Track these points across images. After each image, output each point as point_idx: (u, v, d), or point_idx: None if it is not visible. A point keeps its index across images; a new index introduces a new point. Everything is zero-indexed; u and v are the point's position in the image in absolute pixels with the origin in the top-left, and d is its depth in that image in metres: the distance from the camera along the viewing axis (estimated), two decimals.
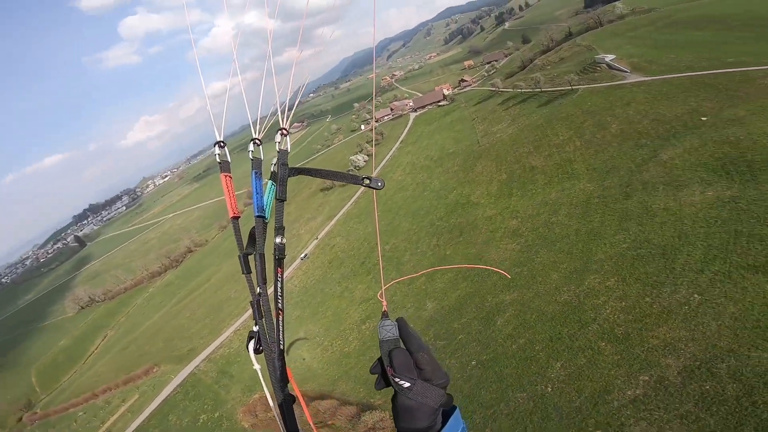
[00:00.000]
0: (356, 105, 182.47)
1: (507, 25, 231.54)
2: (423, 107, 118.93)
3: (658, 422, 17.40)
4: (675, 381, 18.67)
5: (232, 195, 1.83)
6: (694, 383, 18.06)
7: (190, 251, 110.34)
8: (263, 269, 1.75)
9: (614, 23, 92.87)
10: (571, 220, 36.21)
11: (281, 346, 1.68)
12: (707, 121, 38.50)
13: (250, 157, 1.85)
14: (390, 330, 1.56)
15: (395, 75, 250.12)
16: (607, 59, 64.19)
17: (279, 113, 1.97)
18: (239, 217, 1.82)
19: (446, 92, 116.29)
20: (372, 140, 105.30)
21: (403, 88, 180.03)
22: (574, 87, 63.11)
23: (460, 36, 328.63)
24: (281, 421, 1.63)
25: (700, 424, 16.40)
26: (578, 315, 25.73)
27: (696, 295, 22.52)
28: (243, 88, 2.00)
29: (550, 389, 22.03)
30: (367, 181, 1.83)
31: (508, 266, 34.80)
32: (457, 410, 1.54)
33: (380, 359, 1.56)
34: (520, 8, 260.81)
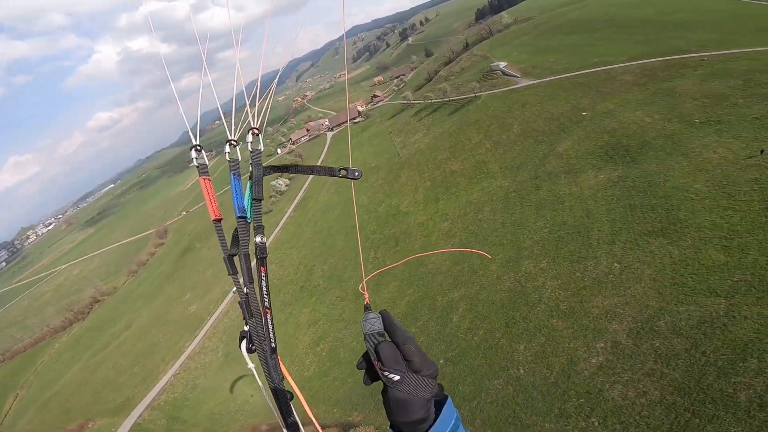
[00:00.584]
0: (270, 129, 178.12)
1: (410, 40, 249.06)
2: (339, 125, 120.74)
3: (630, 383, 19.23)
4: (627, 343, 20.99)
5: (212, 198, 1.88)
6: (645, 343, 20.45)
7: (97, 301, 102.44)
8: (249, 269, 1.79)
9: (502, 32, 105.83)
10: (496, 215, 39.31)
11: (273, 344, 1.73)
12: (587, 116, 45.36)
13: (227, 159, 1.90)
14: (374, 323, 1.59)
15: (307, 96, 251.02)
16: (501, 66, 72.37)
17: (250, 114, 1.98)
18: (221, 219, 1.87)
19: (361, 109, 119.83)
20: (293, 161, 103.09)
21: (317, 108, 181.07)
22: (477, 94, 69.75)
23: (368, 53, 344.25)
24: (281, 419, 1.69)
25: (668, 379, 18.40)
26: (524, 298, 27.98)
27: (616, 264, 26.01)
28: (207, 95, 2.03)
29: (522, 371, 23.36)
30: (344, 172, 1.94)
31: (448, 265, 36.56)
32: (449, 399, 1.58)
33: (366, 354, 1.58)
34: (421, 23, 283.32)
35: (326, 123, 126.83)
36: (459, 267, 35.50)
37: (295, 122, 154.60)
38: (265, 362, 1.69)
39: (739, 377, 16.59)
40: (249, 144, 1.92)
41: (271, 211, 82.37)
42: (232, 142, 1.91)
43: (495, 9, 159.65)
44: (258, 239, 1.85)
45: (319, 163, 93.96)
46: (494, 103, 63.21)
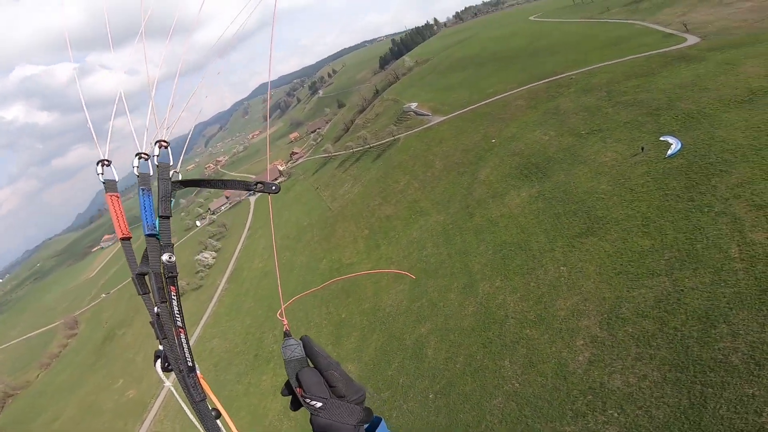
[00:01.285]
0: (183, 201, 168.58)
1: (321, 93, 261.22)
2: None
3: (626, 369, 20.39)
4: (603, 335, 22.52)
5: (120, 215, 1.82)
6: (619, 330, 22.13)
7: (10, 396, 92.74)
8: (159, 288, 1.76)
9: (407, 75, 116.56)
10: (440, 248, 40.99)
11: (188, 363, 1.69)
12: (496, 142, 50.92)
13: (135, 173, 1.84)
14: (295, 349, 1.60)
15: (220, 161, 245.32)
16: (412, 107, 78.96)
17: (156, 124, 1.92)
18: (130, 238, 1.80)
19: (281, 168, 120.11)
20: (214, 236, 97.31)
21: (233, 173, 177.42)
22: (396, 137, 74.55)
23: (279, 110, 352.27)
24: None
25: (658, 359, 19.77)
26: (491, 317, 29.19)
27: (562, 267, 28.55)
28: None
29: (517, 384, 23.76)
30: (260, 186, 1.91)
31: (406, 305, 37.05)
32: (383, 422, 1.60)
33: (289, 381, 1.60)
34: (329, 75, 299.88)
35: None
36: (417, 303, 36.23)
37: (211, 191, 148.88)
38: (182, 381, 1.66)
39: (720, 343, 18.62)
40: (155, 158, 1.86)
41: (200, 287, 76.69)
42: (143, 156, 1.84)
43: (396, 54, 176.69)
44: (165, 258, 1.78)
45: (246, 231, 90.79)
46: (413, 143, 68.00)
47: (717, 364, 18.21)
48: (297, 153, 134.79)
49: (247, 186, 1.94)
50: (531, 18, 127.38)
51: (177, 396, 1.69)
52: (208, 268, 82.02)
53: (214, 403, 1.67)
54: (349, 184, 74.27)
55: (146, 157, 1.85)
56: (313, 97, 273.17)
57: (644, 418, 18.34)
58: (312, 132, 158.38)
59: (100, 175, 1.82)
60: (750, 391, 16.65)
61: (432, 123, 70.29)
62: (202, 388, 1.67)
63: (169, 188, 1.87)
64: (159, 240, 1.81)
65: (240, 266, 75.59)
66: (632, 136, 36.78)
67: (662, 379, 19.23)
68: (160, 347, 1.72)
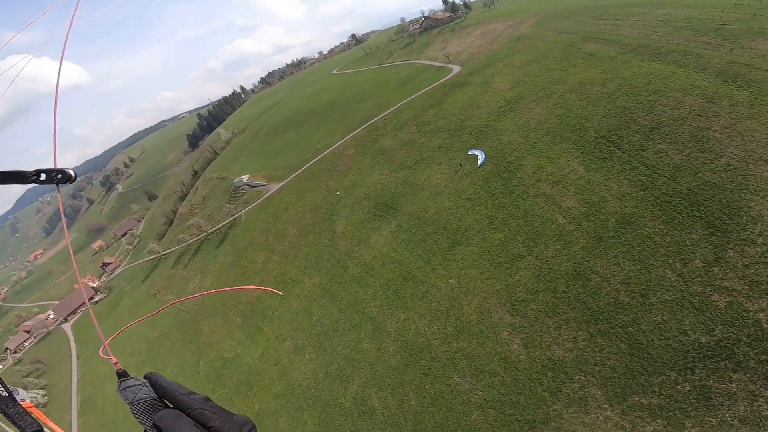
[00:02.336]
0: None
1: (120, 188, 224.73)
2: (74, 312, 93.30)
3: (557, 339, 22.62)
4: (517, 319, 25.44)
5: None
6: (527, 311, 25.09)
7: None
8: None
9: (227, 148, 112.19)
10: (328, 308, 39.63)
11: (4, 393, 1.53)
12: (341, 194, 53.76)
13: None
14: (140, 390, 1.29)
15: None
16: (244, 180, 75.97)
17: None
18: None
19: (94, 284, 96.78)
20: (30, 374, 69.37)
21: (24, 305, 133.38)
22: (235, 216, 69.92)
23: (66, 219, 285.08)
24: None
25: (573, 321, 22.57)
26: (415, 346, 29.83)
27: (451, 280, 31.15)
28: None
29: (481, 392, 22.67)
30: (43, 176, 1.55)
31: (322, 371, 34.46)
32: None
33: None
34: (125, 165, 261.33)
35: (51, 315, 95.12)
36: (333, 366, 34.12)
37: (2, 329, 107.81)
38: (2, 412, 1.50)
39: (603, 290, 23.07)
40: None
41: None
42: None
43: (207, 129, 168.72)
44: None
45: (75, 367, 67.80)
46: (258, 217, 65.20)
47: (615, 306, 22.20)
48: (110, 263, 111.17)
49: (23, 178, 1.60)
50: (334, 72, 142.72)
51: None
52: (43, 407, 59.37)
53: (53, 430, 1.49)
54: (197, 279, 65.20)
55: None
56: (110, 194, 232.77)
57: (606, 370, 20.76)
58: (123, 235, 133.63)
59: None
60: (658, 317, 20.57)
61: (271, 192, 69.25)
62: (33, 418, 1.49)
63: None
64: None
65: (89, 395, 57.57)
66: (448, 157, 44.64)
67: (589, 335, 22.48)
68: None
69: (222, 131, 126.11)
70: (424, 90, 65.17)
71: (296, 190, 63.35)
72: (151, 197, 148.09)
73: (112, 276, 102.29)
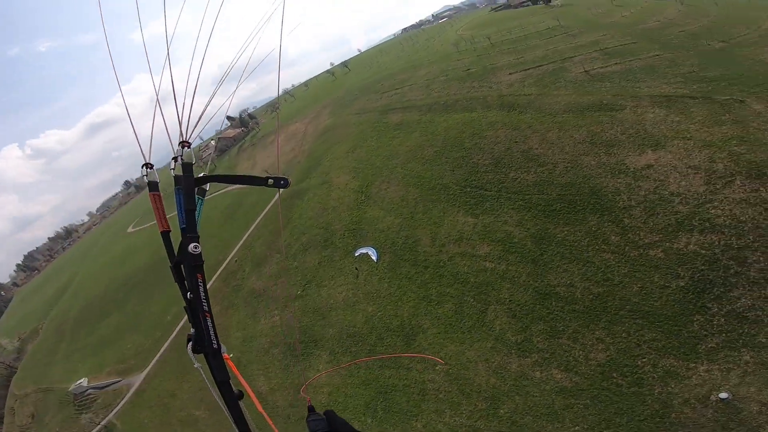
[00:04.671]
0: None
1: None
2: None
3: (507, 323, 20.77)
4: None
5: (161, 212, 2.16)
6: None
7: None
8: (188, 277, 2.06)
9: (24, 358, 79.54)
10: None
11: (214, 345, 1.94)
12: (236, 354, 44.69)
13: (172, 175, 2.13)
14: (319, 424, 1.71)
15: None
16: (84, 385, 54.70)
17: (180, 126, 2.18)
18: (169, 231, 2.11)
19: None
20: None
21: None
22: (105, 423, 49.03)
23: None
24: (230, 416, 1.87)
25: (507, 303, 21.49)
26: (387, 389, 23.79)
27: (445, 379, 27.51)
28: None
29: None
30: (271, 181, 2.31)
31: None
32: None
33: None
34: None
35: None
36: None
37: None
38: (207, 361, 1.91)
39: (618, 271, 23.71)
40: (180, 158, 2.09)
41: None
42: (180, 157, 2.10)
43: None
44: (191, 248, 2.02)
45: None
46: (140, 415, 47.50)
47: (597, 298, 23.79)
48: None
49: (259, 181, 2.32)
50: (129, 230, 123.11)
51: (204, 377, 1.93)
52: None
53: (240, 384, 1.91)
54: None
55: (187, 145, 2.13)
56: None
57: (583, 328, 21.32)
58: None
59: (145, 177, 2.14)
60: (635, 287, 22.89)
61: (138, 384, 52.14)
62: (227, 369, 1.88)
63: (192, 184, 2.13)
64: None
65: None
66: (336, 268, 42.17)
67: (593, 330, 23.09)
68: (192, 331, 2.01)
69: (4, 341, 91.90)
70: (263, 213, 62.77)
71: (173, 372, 49.44)
72: None
73: None
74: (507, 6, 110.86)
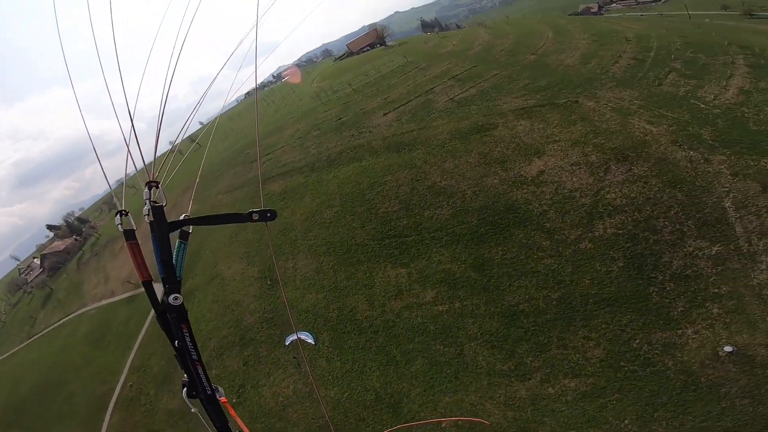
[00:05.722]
0: None
1: None
2: None
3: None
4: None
5: (140, 261, 2.07)
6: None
7: None
8: (174, 328, 2.03)
9: None
10: None
11: (208, 392, 1.92)
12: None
13: (147, 221, 2.04)
14: None
15: None
16: None
17: (144, 164, 2.10)
18: (151, 280, 2.01)
19: None
20: None
21: None
22: None
23: None
24: None
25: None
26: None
27: (331, 390, 24.02)
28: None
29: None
30: (256, 216, 2.25)
31: None
32: None
33: None
34: None
35: None
36: None
37: None
38: (205, 410, 1.87)
39: (565, 277, 22.98)
40: (147, 202, 1.99)
41: None
42: (152, 202, 2.04)
43: None
44: (171, 299, 1.99)
45: None
46: None
47: (548, 308, 23.69)
48: None
49: (241, 218, 2.22)
50: None
51: (204, 421, 1.86)
52: None
53: (240, 427, 1.90)
54: None
55: (155, 185, 2.04)
56: None
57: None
58: None
59: (119, 226, 2.08)
60: (586, 281, 23.35)
61: None
62: (225, 415, 1.85)
63: (166, 230, 2.04)
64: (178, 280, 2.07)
65: None
66: (270, 362, 36.10)
67: (502, 324, 22.66)
68: (185, 377, 2.02)
69: None
70: (143, 329, 50.65)
71: None
72: None
73: None
74: (350, 54, 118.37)
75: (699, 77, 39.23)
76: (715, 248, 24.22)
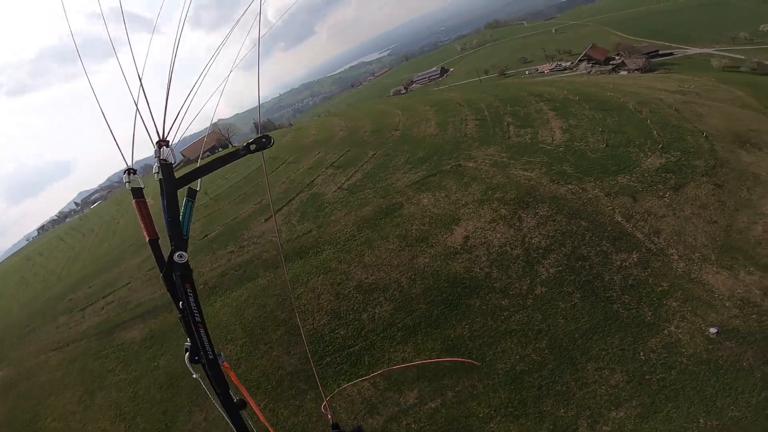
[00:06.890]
0: None
1: None
2: None
3: None
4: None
5: (147, 220, 2.04)
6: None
7: None
8: (178, 287, 2.02)
9: None
10: None
11: (210, 356, 1.95)
12: None
13: (156, 178, 2.00)
14: None
15: None
16: None
17: (154, 124, 2.01)
18: (157, 239, 2.04)
19: None
20: None
21: None
22: None
23: None
24: (233, 426, 1.87)
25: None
26: None
27: None
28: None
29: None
30: (254, 146, 2.14)
31: None
32: None
33: None
34: None
35: None
36: None
37: None
38: (205, 373, 1.89)
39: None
40: (157, 159, 1.95)
41: None
42: (162, 160, 1.95)
43: None
44: (176, 257, 1.96)
45: None
46: None
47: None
48: None
49: (237, 155, 2.10)
50: None
51: (204, 387, 1.79)
52: None
53: (241, 393, 1.75)
54: None
55: (165, 144, 1.95)
56: None
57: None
58: None
59: (127, 184, 2.03)
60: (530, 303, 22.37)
61: None
62: (225, 379, 1.81)
63: (174, 187, 1.97)
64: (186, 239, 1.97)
65: None
66: None
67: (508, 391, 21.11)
68: (188, 342, 1.93)
69: None
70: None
71: None
72: None
73: None
74: (187, 162, 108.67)
75: (530, 126, 47.73)
76: (634, 255, 27.46)
